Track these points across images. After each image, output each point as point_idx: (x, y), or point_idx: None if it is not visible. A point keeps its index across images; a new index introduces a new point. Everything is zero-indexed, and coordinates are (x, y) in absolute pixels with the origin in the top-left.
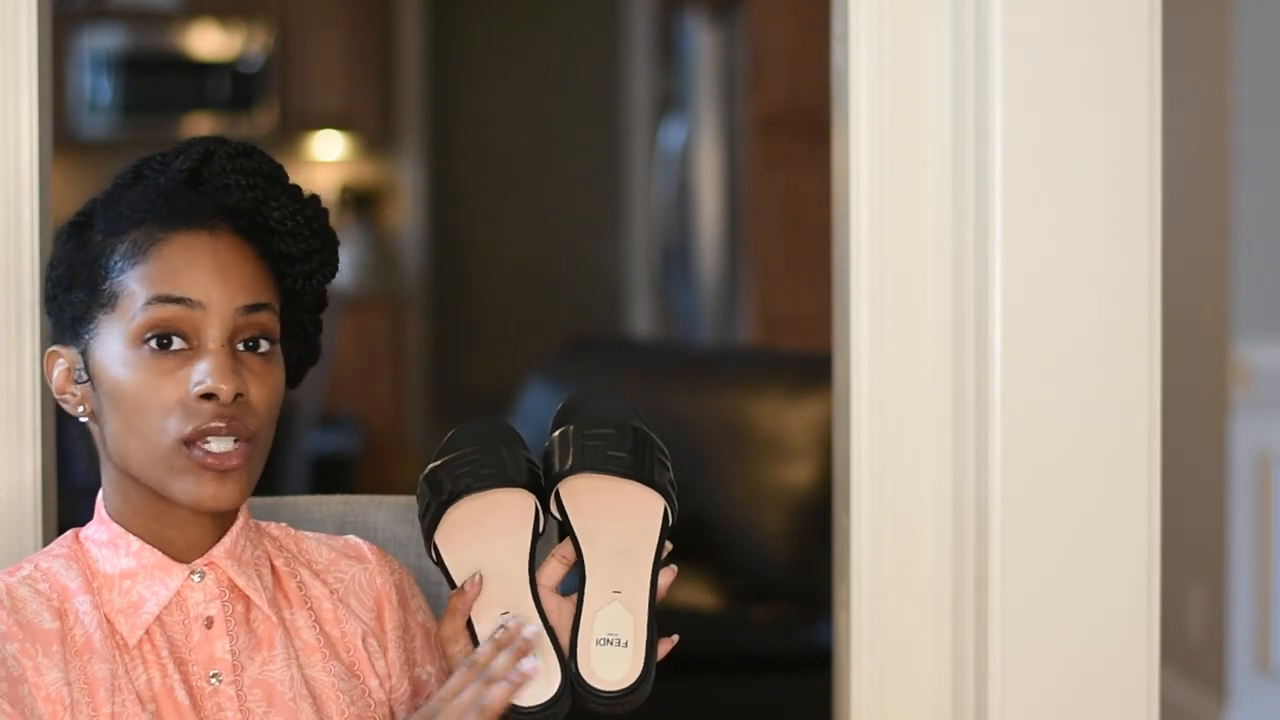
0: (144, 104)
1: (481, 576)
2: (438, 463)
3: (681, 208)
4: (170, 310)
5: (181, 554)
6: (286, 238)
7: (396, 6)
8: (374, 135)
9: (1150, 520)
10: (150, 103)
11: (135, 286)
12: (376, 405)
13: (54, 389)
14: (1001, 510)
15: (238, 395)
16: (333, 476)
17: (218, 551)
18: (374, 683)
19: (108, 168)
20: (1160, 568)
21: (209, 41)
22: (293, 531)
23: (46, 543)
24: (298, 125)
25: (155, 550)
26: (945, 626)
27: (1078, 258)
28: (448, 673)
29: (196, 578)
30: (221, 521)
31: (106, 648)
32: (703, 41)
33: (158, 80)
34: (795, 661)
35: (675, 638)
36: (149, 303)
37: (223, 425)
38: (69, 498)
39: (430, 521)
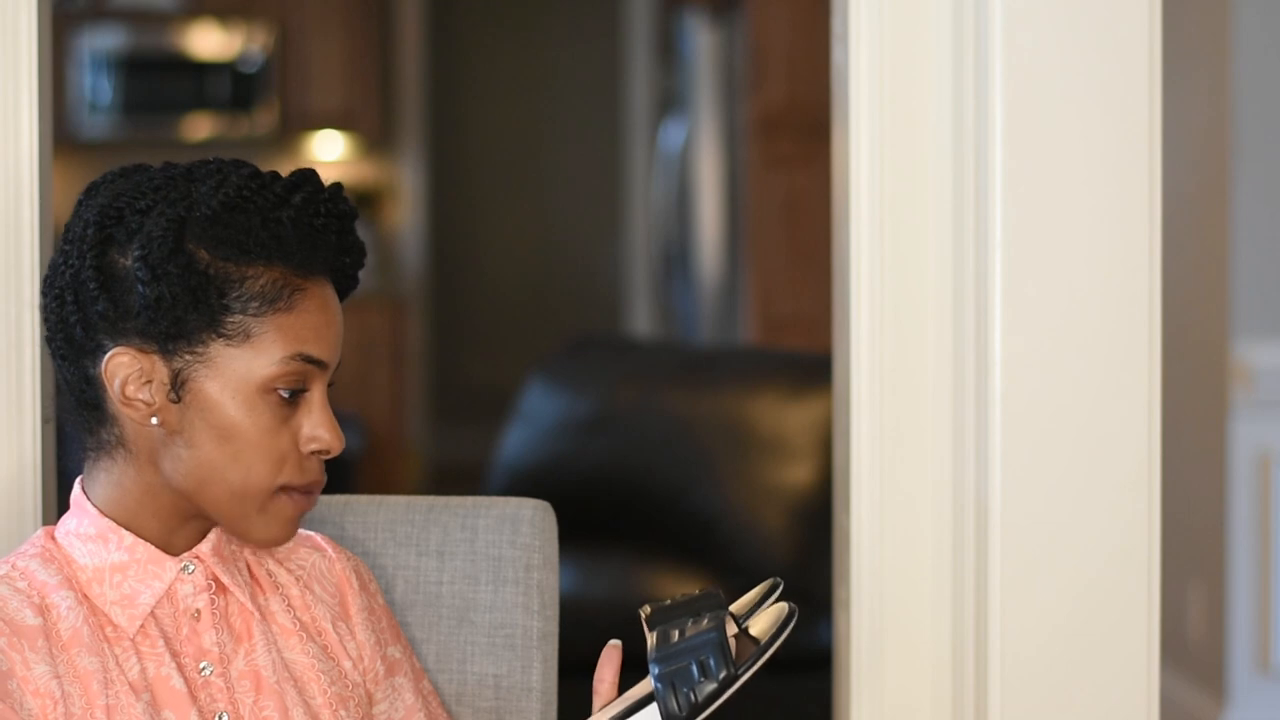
0: (144, 104)
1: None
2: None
3: (681, 208)
4: (307, 368)
5: (172, 550)
6: (348, 280)
7: (396, 6)
8: (374, 135)
9: (1150, 520)
10: (150, 103)
11: (277, 334)
12: (376, 405)
13: (114, 392)
14: (1001, 510)
15: None
16: (333, 476)
17: (204, 548)
18: (348, 664)
19: (108, 168)
20: (1160, 567)
21: (209, 41)
22: None
23: None
24: (298, 125)
25: (149, 545)
26: (945, 626)
27: (1078, 258)
28: None
29: (188, 570)
30: (209, 521)
31: (94, 641)
32: (703, 41)
33: (158, 80)
34: (795, 661)
35: None
36: (292, 357)
37: (322, 477)
38: (68, 489)
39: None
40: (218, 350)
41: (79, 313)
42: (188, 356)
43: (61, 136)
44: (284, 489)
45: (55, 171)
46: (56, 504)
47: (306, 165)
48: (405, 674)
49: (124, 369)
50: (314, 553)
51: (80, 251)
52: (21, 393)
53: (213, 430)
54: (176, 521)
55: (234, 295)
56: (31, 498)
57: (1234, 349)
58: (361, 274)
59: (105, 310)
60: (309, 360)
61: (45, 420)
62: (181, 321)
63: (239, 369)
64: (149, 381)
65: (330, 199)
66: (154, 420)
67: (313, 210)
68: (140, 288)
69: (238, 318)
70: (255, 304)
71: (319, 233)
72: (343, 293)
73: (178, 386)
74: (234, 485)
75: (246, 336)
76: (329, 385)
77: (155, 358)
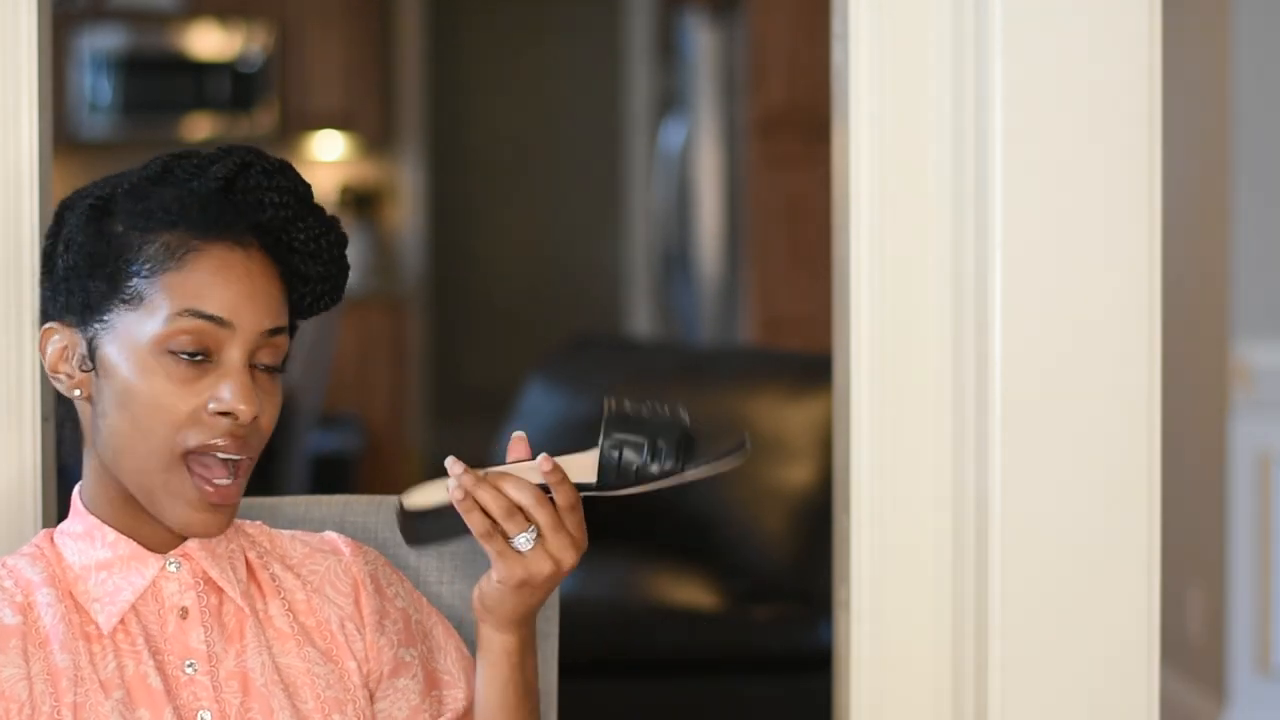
0: (144, 104)
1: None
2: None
3: (681, 208)
4: (200, 325)
5: (156, 547)
6: (308, 259)
7: (396, 7)
8: (374, 135)
9: (1150, 520)
10: (150, 103)
11: (165, 293)
12: (376, 405)
13: (47, 365)
14: (1001, 510)
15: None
16: (333, 476)
17: (192, 544)
18: (352, 665)
19: (108, 168)
20: (1160, 568)
21: (209, 41)
22: (268, 529)
23: None
24: (298, 125)
25: (131, 541)
26: (945, 626)
27: (1078, 258)
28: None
29: (173, 567)
30: None
31: (70, 638)
32: (703, 41)
33: (158, 80)
34: (795, 661)
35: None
36: (180, 314)
37: (231, 443)
38: (68, 489)
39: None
40: (119, 316)
41: (41, 304)
42: (97, 325)
43: (61, 136)
44: (188, 460)
45: (55, 171)
46: (57, 505)
47: (309, 164)
48: (414, 677)
49: (52, 344)
50: (329, 557)
51: (42, 248)
52: (21, 393)
53: (116, 396)
54: (139, 512)
55: (129, 259)
56: (31, 498)
57: (1234, 349)
58: (358, 270)
59: (46, 294)
60: (203, 317)
61: (44, 419)
62: (89, 290)
63: (134, 331)
64: (71, 356)
65: (263, 172)
66: (76, 392)
67: (240, 184)
68: (60, 262)
69: (133, 281)
70: (148, 266)
71: (244, 205)
72: (316, 281)
73: (91, 355)
74: (139, 457)
75: (140, 299)
76: (276, 367)
77: (75, 330)
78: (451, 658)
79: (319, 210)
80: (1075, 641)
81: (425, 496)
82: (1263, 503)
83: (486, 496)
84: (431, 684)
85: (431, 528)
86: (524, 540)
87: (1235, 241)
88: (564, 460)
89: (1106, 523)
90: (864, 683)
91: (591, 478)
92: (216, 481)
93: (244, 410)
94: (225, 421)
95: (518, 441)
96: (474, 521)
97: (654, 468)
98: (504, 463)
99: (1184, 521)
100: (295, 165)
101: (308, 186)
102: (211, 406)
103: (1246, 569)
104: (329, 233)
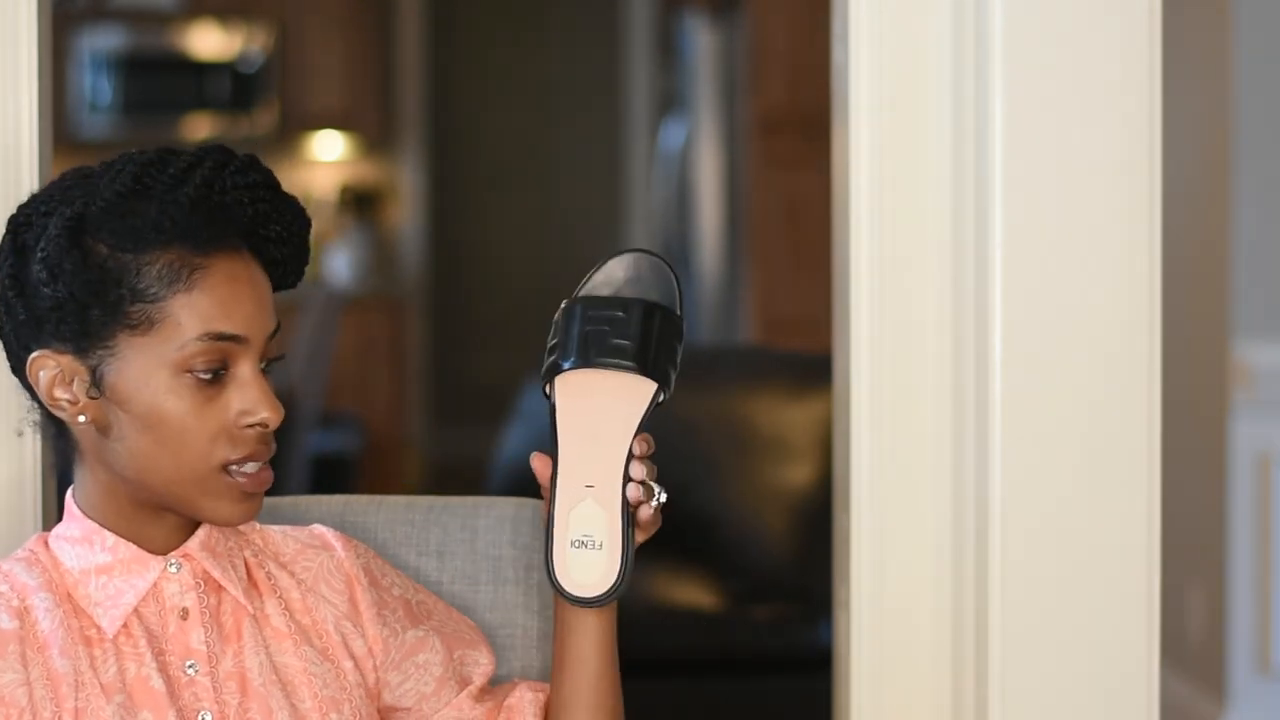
0: (144, 104)
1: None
2: (587, 316)
3: (681, 208)
4: (220, 346)
5: (157, 548)
6: (281, 245)
7: (396, 7)
8: (374, 135)
9: (1150, 520)
10: (150, 103)
11: (178, 317)
12: (376, 405)
13: (43, 395)
14: (1001, 510)
15: None
16: (333, 476)
17: (193, 544)
18: (349, 665)
19: None
20: (1160, 567)
21: (209, 41)
22: (258, 526)
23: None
24: (298, 125)
25: (131, 544)
26: (945, 626)
27: (1077, 258)
28: None
29: (173, 568)
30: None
31: (69, 643)
32: (703, 41)
33: (158, 80)
34: (795, 661)
35: (658, 501)
36: (199, 338)
37: (263, 450)
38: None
39: (552, 367)
40: (126, 341)
41: (11, 323)
42: (100, 352)
43: (61, 136)
44: (224, 467)
45: (55, 172)
46: (56, 508)
47: (309, 164)
48: (433, 650)
49: (45, 372)
50: (321, 553)
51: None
52: (21, 397)
53: (136, 421)
54: (144, 516)
55: (131, 285)
56: (31, 502)
57: (1234, 349)
58: (358, 270)
59: (25, 318)
60: (221, 338)
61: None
62: (86, 319)
63: (149, 358)
64: (70, 381)
65: (239, 170)
66: (81, 419)
67: (218, 186)
68: (44, 290)
69: (138, 306)
70: (153, 290)
71: (226, 208)
72: (284, 263)
73: (97, 382)
74: (169, 472)
75: (151, 324)
76: (276, 359)
77: (72, 357)
78: (463, 627)
79: (287, 196)
80: (1075, 641)
81: (589, 574)
82: (1263, 503)
83: (645, 470)
84: (451, 651)
85: (622, 584)
86: (664, 495)
87: (1235, 241)
88: (619, 410)
89: (1106, 522)
90: (864, 683)
91: (651, 391)
92: (249, 471)
93: (273, 418)
94: (255, 432)
95: (538, 459)
96: (642, 495)
97: (670, 340)
98: (553, 481)
99: (1184, 521)
100: (295, 165)
101: (274, 175)
102: (243, 421)
103: (1246, 569)
104: (299, 217)
